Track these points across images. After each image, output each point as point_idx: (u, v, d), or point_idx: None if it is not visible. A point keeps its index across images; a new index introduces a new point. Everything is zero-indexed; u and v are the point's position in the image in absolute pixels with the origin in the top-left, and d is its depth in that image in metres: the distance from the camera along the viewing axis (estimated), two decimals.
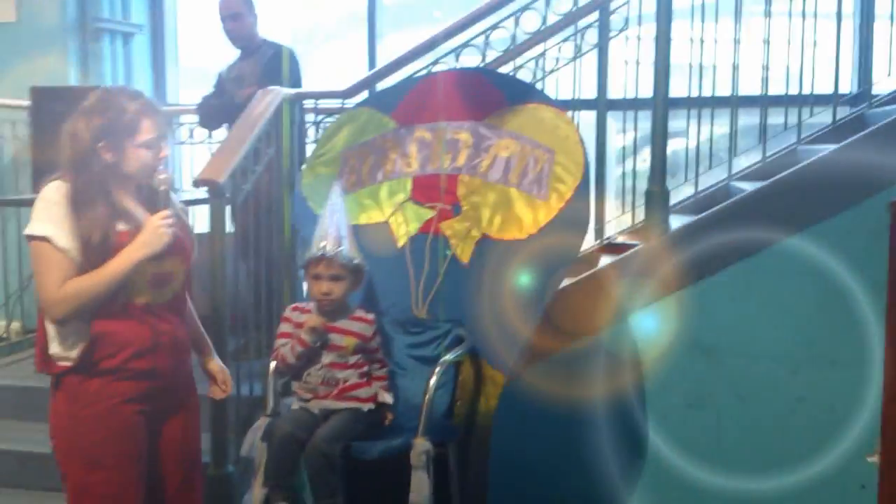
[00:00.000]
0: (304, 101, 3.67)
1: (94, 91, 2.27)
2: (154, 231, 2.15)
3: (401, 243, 2.96)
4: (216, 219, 3.11)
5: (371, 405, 2.56)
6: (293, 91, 3.59)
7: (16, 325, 4.54)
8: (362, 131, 3.10)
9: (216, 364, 2.47)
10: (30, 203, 2.24)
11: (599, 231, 3.89)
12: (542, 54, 3.65)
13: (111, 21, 4.93)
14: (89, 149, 2.16)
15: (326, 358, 2.57)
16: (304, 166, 3.17)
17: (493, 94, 2.98)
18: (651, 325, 3.32)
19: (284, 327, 2.63)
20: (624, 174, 3.88)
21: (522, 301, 2.72)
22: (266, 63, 4.08)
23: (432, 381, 2.51)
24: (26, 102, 3.98)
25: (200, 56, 5.26)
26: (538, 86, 3.56)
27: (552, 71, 3.70)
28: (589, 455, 3.23)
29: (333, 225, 2.56)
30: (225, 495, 3.05)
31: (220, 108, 4.19)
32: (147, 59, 5.22)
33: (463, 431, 2.75)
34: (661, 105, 3.30)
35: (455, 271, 2.86)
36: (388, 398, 2.62)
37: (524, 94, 2.98)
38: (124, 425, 2.20)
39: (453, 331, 2.78)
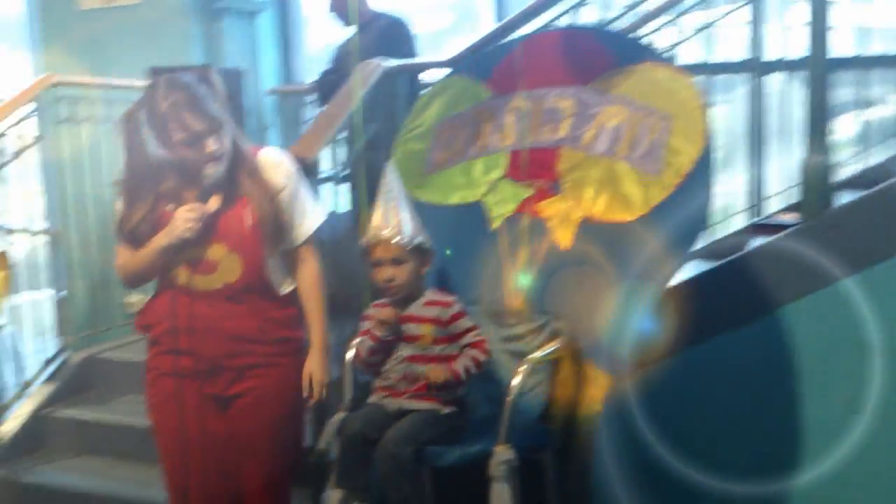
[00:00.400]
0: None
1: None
2: (173, 222, 2.23)
3: (494, 226, 2.72)
4: None
5: (451, 409, 2.35)
6: (395, 62, 3.43)
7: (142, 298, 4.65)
8: (456, 102, 2.88)
9: (308, 365, 2.45)
10: None
11: (756, 209, 3.60)
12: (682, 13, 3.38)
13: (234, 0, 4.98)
14: (134, 137, 2.24)
15: (405, 350, 2.37)
16: (395, 142, 2.99)
17: (600, 55, 2.66)
18: (806, 319, 2.92)
19: (365, 325, 2.46)
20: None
21: (630, 292, 2.43)
22: (379, 35, 3.98)
23: (515, 381, 2.26)
24: (145, 83, 4.04)
25: (327, 33, 5.22)
26: (677, 50, 3.31)
27: (701, 29, 3.41)
28: (720, 469, 2.88)
29: (389, 204, 2.37)
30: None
31: (338, 85, 4.13)
32: (273, 37, 5.24)
33: (562, 437, 2.49)
34: (819, 66, 2.88)
35: (554, 258, 2.60)
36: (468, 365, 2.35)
37: (637, 53, 2.64)
38: (163, 398, 2.35)
39: (550, 324, 2.52)
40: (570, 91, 2.69)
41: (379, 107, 3.28)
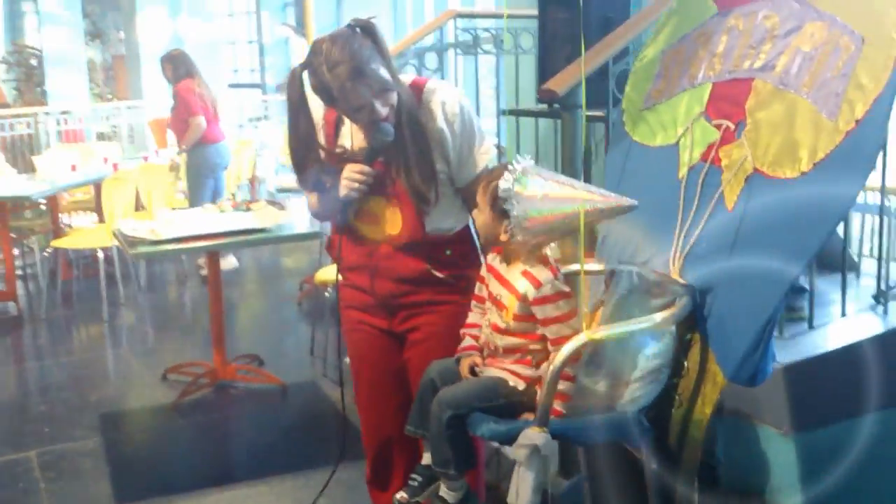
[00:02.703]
0: None
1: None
2: (341, 181, 2.37)
3: (680, 175, 2.34)
4: (566, 135, 3.03)
5: (525, 384, 2.18)
6: None
7: None
8: (688, 20, 2.48)
9: None
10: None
11: None
12: None
13: None
14: (299, 99, 2.35)
15: (492, 316, 2.23)
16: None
17: None
18: None
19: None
20: None
21: (769, 278, 1.94)
22: None
23: (565, 348, 1.98)
24: (534, 12, 4.19)
25: None
26: None
27: None
28: None
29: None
30: None
31: None
32: None
33: (677, 439, 2.12)
34: None
35: (718, 220, 2.16)
36: (519, 384, 2.19)
37: None
38: (348, 327, 2.63)
39: (683, 301, 2.12)
40: (779, 4, 2.15)
41: None
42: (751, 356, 1.95)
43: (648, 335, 2.16)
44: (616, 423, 2.09)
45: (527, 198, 2.09)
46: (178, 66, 6.63)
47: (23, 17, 19.24)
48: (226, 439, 4.20)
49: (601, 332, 2.06)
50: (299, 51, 11.92)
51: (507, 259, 2.23)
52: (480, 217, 2.21)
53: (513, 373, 2.19)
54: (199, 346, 5.25)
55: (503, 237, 2.16)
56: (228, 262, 6.82)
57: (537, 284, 2.14)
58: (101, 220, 6.60)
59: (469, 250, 2.55)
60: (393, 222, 2.44)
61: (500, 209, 2.13)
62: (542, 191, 2.10)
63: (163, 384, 4.72)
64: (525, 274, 2.17)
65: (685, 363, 2.14)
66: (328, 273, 4.83)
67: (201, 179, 6.64)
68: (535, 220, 2.08)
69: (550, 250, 2.18)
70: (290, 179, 7.34)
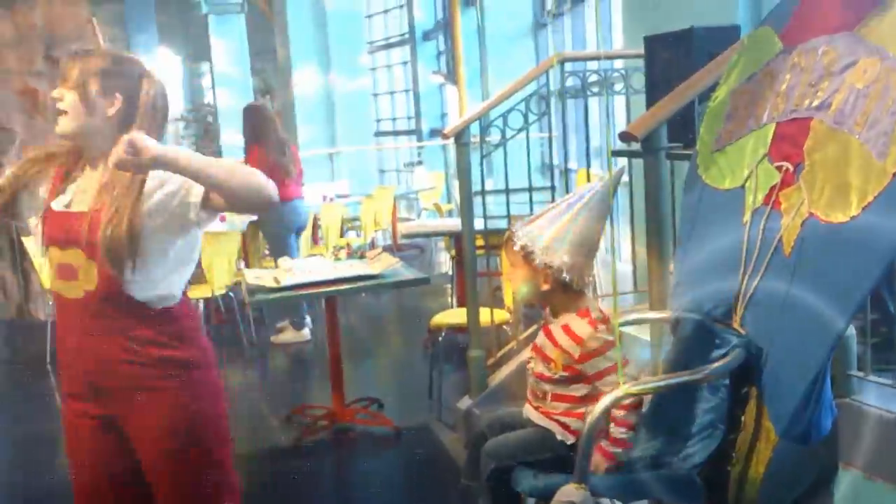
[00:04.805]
0: None
1: None
2: None
3: (745, 219, 2.22)
4: (649, 177, 2.94)
5: (574, 438, 2.12)
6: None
7: None
8: (756, 58, 2.37)
9: None
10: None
11: None
12: None
13: None
14: None
15: (538, 366, 2.21)
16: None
17: None
18: None
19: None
20: None
21: (817, 331, 1.81)
22: None
23: (600, 404, 1.90)
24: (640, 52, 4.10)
25: None
26: None
27: None
28: None
29: (558, 210, 2.18)
30: None
31: None
32: None
33: (734, 500, 1.99)
34: None
35: (777, 266, 2.03)
36: (567, 438, 2.12)
37: None
38: (66, 424, 2.23)
39: (733, 350, 2.01)
40: (836, 39, 2.02)
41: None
42: (802, 412, 1.83)
43: (705, 388, 2.06)
44: (664, 482, 2.00)
45: (537, 228, 2.18)
46: (246, 125, 6.38)
47: (200, 78, 20.61)
48: (335, 485, 4.28)
49: (640, 385, 1.98)
50: (452, 97, 12.15)
51: (554, 311, 2.21)
52: (518, 275, 2.18)
53: (562, 425, 2.14)
54: (328, 387, 5.39)
55: (544, 286, 2.13)
56: (301, 335, 6.60)
57: (578, 340, 2.11)
58: (247, 266, 6.89)
59: (180, 329, 2.17)
60: (89, 277, 2.07)
61: (530, 257, 2.11)
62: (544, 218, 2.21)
63: (286, 426, 4.86)
64: (566, 329, 2.16)
65: (742, 418, 2.02)
66: (444, 317, 4.88)
67: (281, 237, 6.39)
68: (550, 238, 2.13)
69: (590, 303, 2.14)
70: (432, 224, 7.50)
